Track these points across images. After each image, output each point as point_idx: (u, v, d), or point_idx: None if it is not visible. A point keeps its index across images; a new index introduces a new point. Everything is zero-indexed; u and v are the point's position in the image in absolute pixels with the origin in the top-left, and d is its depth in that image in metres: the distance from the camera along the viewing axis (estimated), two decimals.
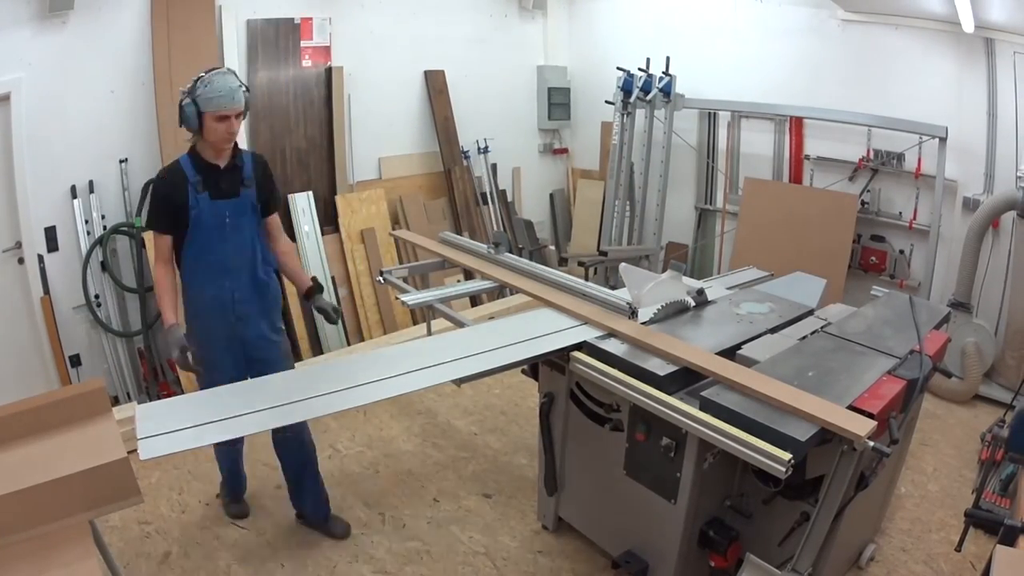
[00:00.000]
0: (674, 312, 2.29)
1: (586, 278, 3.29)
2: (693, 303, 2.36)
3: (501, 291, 2.91)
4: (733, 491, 2.00)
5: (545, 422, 2.29)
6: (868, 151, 4.11)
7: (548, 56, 5.63)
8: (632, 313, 2.19)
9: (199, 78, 2.06)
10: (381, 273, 2.84)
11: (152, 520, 2.60)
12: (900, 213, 4.07)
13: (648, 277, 2.24)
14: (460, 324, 2.41)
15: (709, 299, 2.41)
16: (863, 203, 4.13)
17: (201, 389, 2.13)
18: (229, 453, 2.55)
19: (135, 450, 1.49)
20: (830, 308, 2.45)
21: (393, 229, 4.33)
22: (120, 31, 3.38)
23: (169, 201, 2.12)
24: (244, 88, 2.11)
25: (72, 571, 1.37)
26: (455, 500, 2.76)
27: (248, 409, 1.61)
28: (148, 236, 3.49)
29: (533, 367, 2.31)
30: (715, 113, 4.83)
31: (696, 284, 2.40)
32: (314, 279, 2.43)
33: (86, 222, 3.40)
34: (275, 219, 2.38)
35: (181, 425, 1.54)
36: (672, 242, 5.21)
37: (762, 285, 2.75)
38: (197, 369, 2.14)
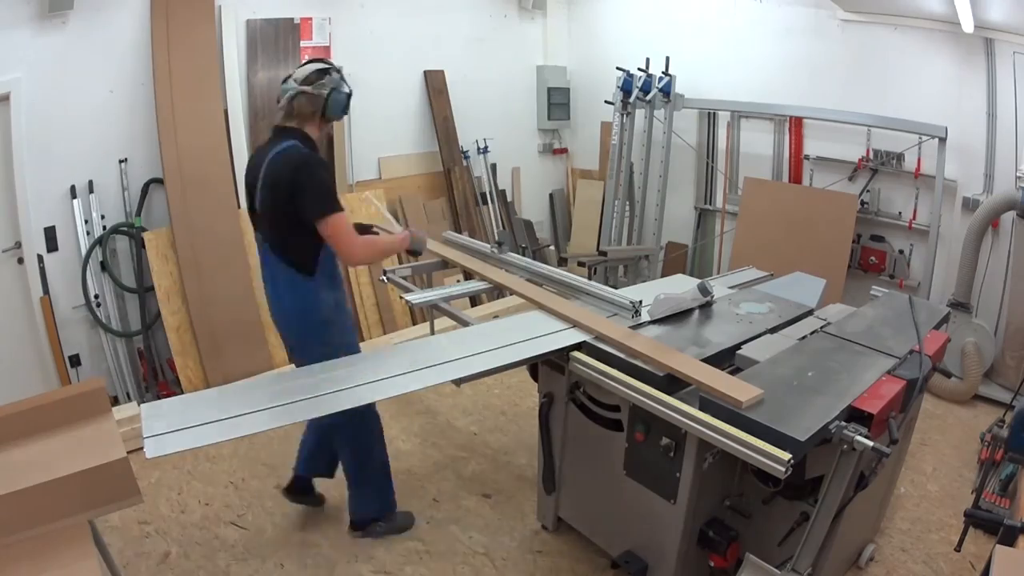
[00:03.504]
0: (675, 313, 2.29)
1: (590, 278, 3.31)
2: (698, 305, 2.36)
3: (500, 291, 2.91)
4: (732, 491, 2.00)
5: (544, 422, 2.29)
6: (868, 151, 4.11)
7: (548, 56, 5.63)
8: (636, 312, 2.20)
9: (332, 71, 2.16)
10: (384, 272, 2.85)
11: (152, 520, 2.60)
12: (900, 213, 4.08)
13: (677, 302, 2.27)
14: (464, 323, 2.41)
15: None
16: (863, 203, 4.13)
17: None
18: (380, 459, 2.45)
19: (135, 450, 1.49)
20: (830, 308, 2.45)
21: None
22: (120, 31, 3.38)
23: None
24: None
25: (71, 571, 1.36)
26: (455, 500, 2.76)
27: (250, 409, 1.61)
28: (149, 236, 3.49)
29: (533, 367, 2.31)
30: (715, 113, 4.83)
31: (703, 299, 2.40)
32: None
33: (86, 222, 3.40)
34: None
35: (185, 424, 1.55)
36: (672, 242, 5.22)
37: (762, 285, 2.75)
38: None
